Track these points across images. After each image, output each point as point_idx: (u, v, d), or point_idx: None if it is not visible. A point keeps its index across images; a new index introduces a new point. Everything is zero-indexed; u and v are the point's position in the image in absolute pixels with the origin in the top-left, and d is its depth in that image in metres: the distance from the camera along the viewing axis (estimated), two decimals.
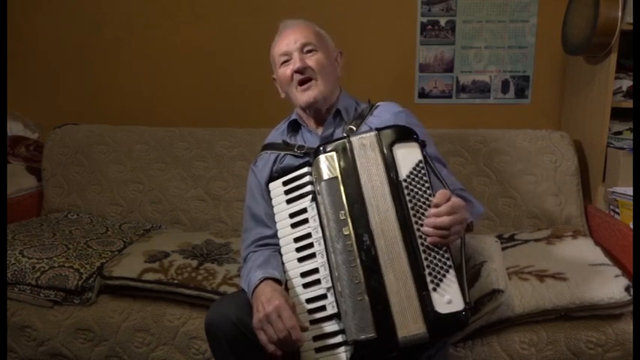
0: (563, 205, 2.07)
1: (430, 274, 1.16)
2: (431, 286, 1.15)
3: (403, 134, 1.26)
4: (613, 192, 1.93)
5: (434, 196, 1.19)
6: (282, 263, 1.35)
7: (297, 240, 1.33)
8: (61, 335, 1.71)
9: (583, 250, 1.77)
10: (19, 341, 1.73)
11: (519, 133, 2.17)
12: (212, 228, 2.20)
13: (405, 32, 2.38)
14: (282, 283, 1.30)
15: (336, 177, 1.24)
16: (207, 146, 2.29)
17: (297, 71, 1.43)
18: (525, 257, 1.73)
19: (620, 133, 2.05)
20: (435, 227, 1.16)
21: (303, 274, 1.30)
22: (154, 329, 1.68)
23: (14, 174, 2.34)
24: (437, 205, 1.17)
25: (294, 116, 1.55)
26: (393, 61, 2.41)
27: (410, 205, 1.20)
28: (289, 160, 1.46)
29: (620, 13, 1.83)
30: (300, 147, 1.45)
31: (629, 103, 1.97)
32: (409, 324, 1.15)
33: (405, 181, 1.21)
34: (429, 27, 2.37)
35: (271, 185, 1.42)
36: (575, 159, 2.09)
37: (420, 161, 1.23)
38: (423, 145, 1.26)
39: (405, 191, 1.21)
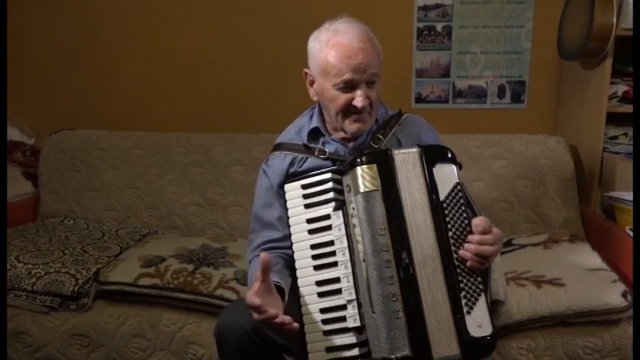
0: (560, 209, 2.08)
1: (465, 296, 1.16)
2: (465, 309, 1.16)
3: (444, 155, 1.24)
4: (609, 197, 1.94)
5: (469, 219, 1.19)
6: (295, 269, 1.31)
7: (314, 247, 1.29)
8: (57, 341, 1.70)
9: (580, 254, 1.77)
10: (14, 347, 1.72)
11: (516, 138, 2.18)
12: (209, 233, 2.19)
13: (402, 37, 2.39)
14: (284, 289, 1.27)
15: (377, 190, 1.18)
16: (204, 152, 2.29)
17: (360, 109, 1.33)
18: (523, 262, 1.74)
19: (615, 137, 2.05)
20: (477, 254, 1.16)
21: (320, 283, 1.27)
22: (150, 334, 1.68)
23: (10, 179, 2.33)
24: (482, 232, 1.17)
25: (315, 123, 1.45)
26: (389, 67, 2.37)
27: (448, 227, 1.19)
28: (311, 164, 1.41)
29: (614, 19, 1.84)
30: (322, 151, 1.41)
31: (624, 108, 1.98)
32: (444, 345, 1.14)
33: (445, 202, 1.20)
34: (426, 32, 2.38)
35: (287, 187, 1.36)
36: (571, 164, 2.10)
37: (458, 183, 1.22)
38: (460, 168, 1.25)
39: (445, 212, 1.20)
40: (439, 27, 2.37)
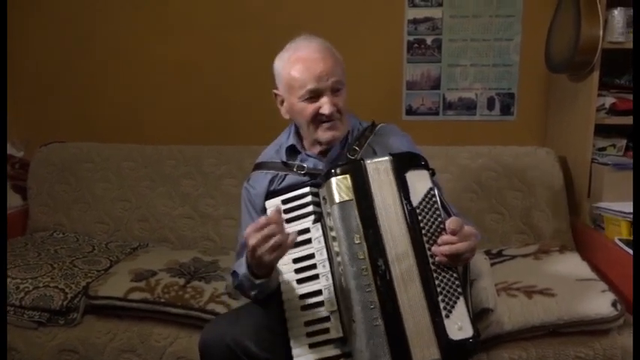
0: (550, 220, 2.09)
1: (443, 300, 1.17)
2: (444, 313, 1.16)
3: (416, 161, 1.27)
4: (598, 207, 1.95)
5: (444, 223, 1.20)
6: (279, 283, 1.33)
7: (296, 261, 1.30)
8: (46, 357, 1.68)
9: (570, 265, 1.79)
10: None
11: (505, 149, 2.19)
12: (200, 246, 2.18)
13: (392, 50, 2.41)
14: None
15: (351, 200, 1.21)
16: (196, 164, 2.28)
17: (328, 116, 1.36)
18: (513, 273, 1.74)
19: (604, 149, 2.08)
20: (450, 254, 1.17)
21: (303, 296, 1.28)
22: (140, 350, 1.66)
23: None
24: (452, 232, 1.17)
25: (291, 141, 1.48)
26: (380, 79, 2.43)
27: (423, 232, 1.20)
28: (290, 181, 1.43)
29: (601, 32, 1.87)
30: (300, 167, 1.43)
31: (612, 120, 2.00)
32: (423, 350, 1.15)
33: (418, 207, 1.21)
34: (416, 45, 2.41)
35: (268, 203, 1.38)
36: (560, 175, 2.12)
37: (431, 189, 1.23)
38: (432, 174, 1.27)
39: (419, 217, 1.21)
40: (429, 40, 2.39)
